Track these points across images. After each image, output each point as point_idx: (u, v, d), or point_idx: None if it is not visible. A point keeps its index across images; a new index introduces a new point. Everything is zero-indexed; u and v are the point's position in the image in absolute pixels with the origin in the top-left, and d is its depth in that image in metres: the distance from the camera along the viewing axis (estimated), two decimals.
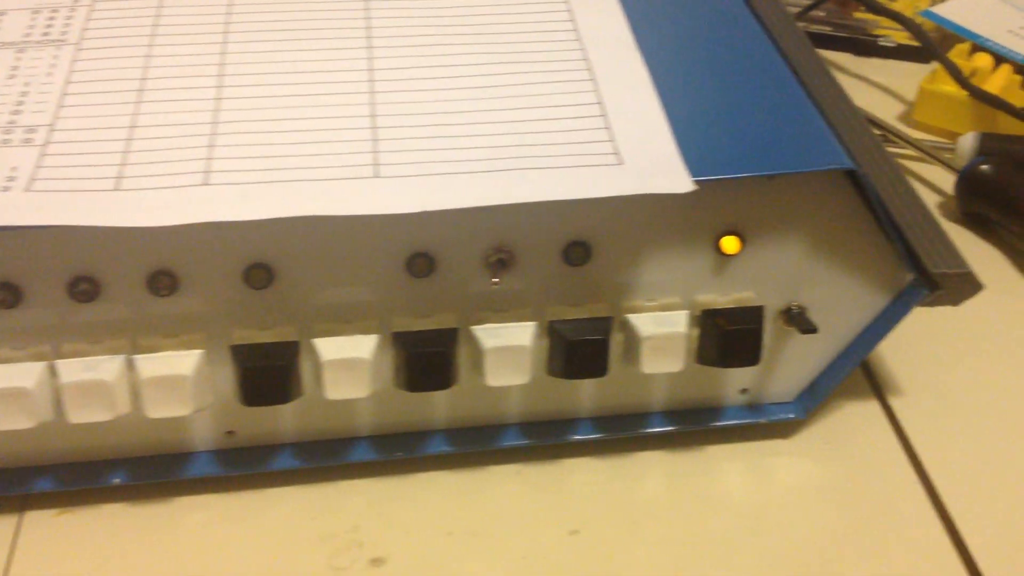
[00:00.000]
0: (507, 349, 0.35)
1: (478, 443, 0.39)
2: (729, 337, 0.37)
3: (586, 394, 0.40)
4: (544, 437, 0.40)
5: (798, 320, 0.38)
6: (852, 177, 0.36)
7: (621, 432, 0.40)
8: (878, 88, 0.64)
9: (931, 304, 0.38)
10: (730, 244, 0.37)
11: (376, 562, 0.36)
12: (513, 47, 0.41)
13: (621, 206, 0.36)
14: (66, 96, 0.37)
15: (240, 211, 0.32)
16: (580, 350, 0.36)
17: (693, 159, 0.35)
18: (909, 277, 0.38)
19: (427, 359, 0.35)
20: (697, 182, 0.34)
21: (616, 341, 0.37)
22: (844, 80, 0.65)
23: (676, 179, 0.34)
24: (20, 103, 0.37)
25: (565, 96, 0.38)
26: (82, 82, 0.38)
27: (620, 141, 0.36)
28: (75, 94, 0.37)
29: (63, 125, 0.36)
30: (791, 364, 0.40)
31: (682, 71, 0.40)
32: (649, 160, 0.35)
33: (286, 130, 0.36)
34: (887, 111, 0.61)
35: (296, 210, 0.32)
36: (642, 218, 0.36)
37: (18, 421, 0.33)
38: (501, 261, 0.36)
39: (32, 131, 0.35)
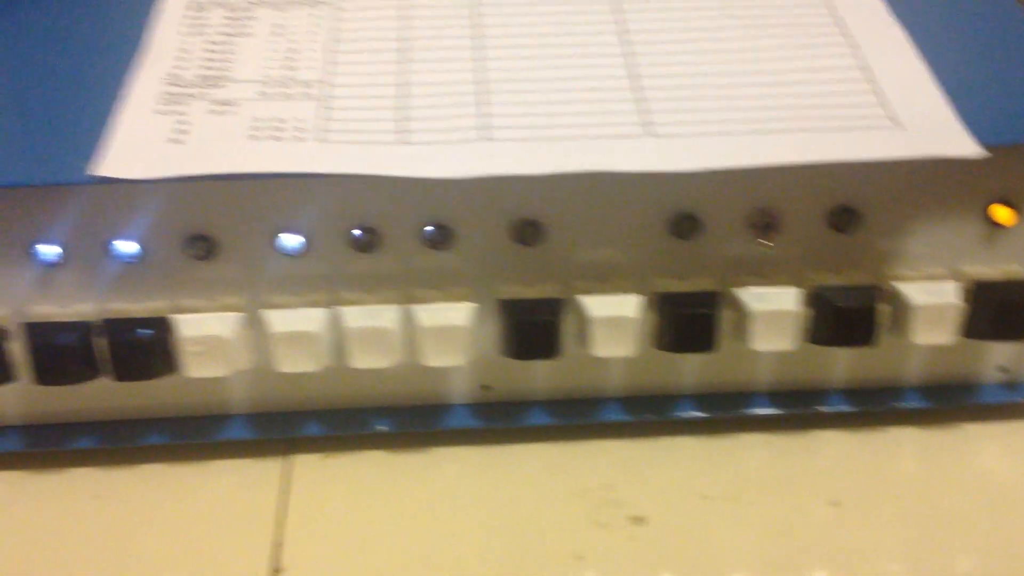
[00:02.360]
0: (773, 314, 0.35)
1: (726, 409, 0.39)
2: (1005, 310, 0.35)
3: (841, 364, 0.39)
4: (795, 406, 0.39)
5: None
6: None
7: (874, 406, 0.39)
8: None
9: None
10: (1002, 214, 0.36)
11: (637, 520, 0.36)
12: (762, 12, 0.40)
13: (890, 171, 0.35)
14: (333, 54, 0.39)
15: (524, 165, 0.33)
16: (849, 318, 0.35)
17: (967, 124, 0.34)
18: None
19: (692, 321, 0.35)
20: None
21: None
22: None
23: (961, 143, 0.33)
24: (291, 59, 0.38)
25: (825, 60, 0.38)
26: (346, 41, 0.39)
27: (894, 104, 0.35)
28: (341, 52, 0.39)
29: (336, 81, 0.37)
30: None
31: (941, 35, 0.39)
32: (928, 124, 0.34)
33: (551, 89, 0.37)
34: None
35: (578, 165, 0.33)
36: (910, 184, 0.35)
37: (304, 364, 0.35)
38: (767, 224, 0.36)
39: (308, 86, 0.37)
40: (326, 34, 0.39)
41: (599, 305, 0.35)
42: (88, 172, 0.32)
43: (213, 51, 0.38)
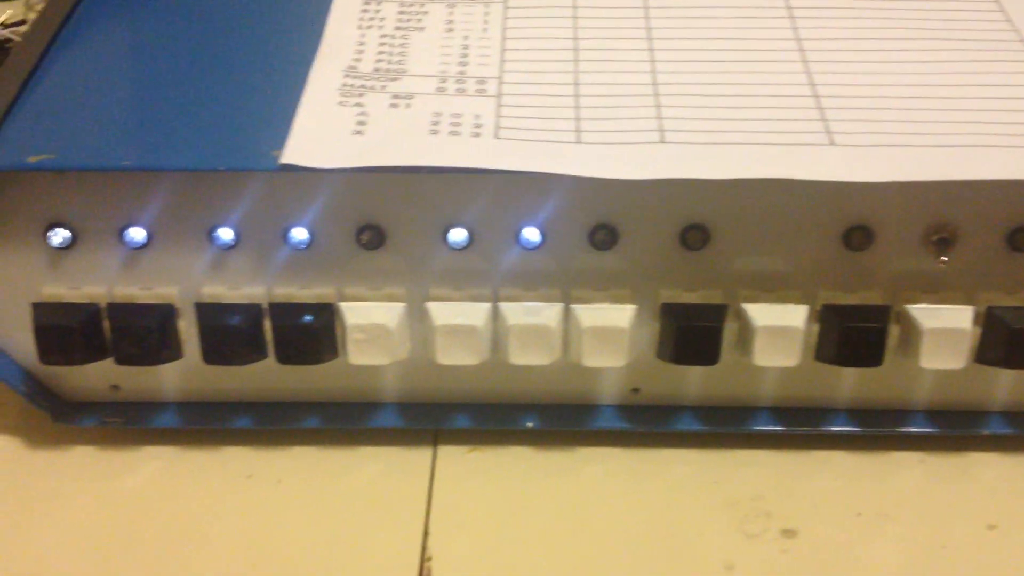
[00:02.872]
0: (946, 332, 0.34)
1: (882, 425, 0.38)
2: None
3: (1002, 386, 0.38)
4: (953, 427, 0.38)
5: None
6: None
7: None
8: None
9: None
10: None
11: (788, 533, 0.35)
12: (940, 25, 0.39)
13: None
14: (506, 51, 0.39)
15: (707, 170, 0.33)
16: (1023, 339, 0.34)
17: None
18: None
19: (860, 335, 0.35)
20: None
21: None
22: None
23: None
24: (464, 55, 0.39)
25: (1007, 76, 0.37)
26: (518, 39, 0.39)
27: None
28: (514, 50, 0.39)
29: (510, 78, 0.37)
30: None
31: None
32: None
33: (727, 94, 0.36)
34: None
35: (763, 171, 0.32)
36: None
37: (463, 357, 0.35)
38: (943, 240, 0.35)
39: (483, 82, 0.37)
40: (496, 31, 0.39)
41: (765, 314, 0.35)
42: (274, 161, 0.33)
43: (389, 44, 0.38)
